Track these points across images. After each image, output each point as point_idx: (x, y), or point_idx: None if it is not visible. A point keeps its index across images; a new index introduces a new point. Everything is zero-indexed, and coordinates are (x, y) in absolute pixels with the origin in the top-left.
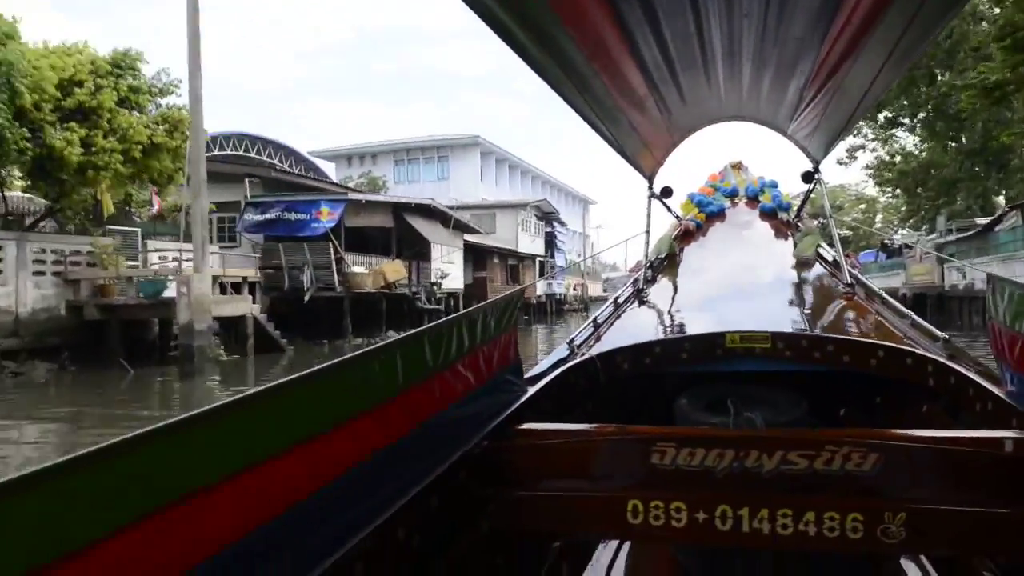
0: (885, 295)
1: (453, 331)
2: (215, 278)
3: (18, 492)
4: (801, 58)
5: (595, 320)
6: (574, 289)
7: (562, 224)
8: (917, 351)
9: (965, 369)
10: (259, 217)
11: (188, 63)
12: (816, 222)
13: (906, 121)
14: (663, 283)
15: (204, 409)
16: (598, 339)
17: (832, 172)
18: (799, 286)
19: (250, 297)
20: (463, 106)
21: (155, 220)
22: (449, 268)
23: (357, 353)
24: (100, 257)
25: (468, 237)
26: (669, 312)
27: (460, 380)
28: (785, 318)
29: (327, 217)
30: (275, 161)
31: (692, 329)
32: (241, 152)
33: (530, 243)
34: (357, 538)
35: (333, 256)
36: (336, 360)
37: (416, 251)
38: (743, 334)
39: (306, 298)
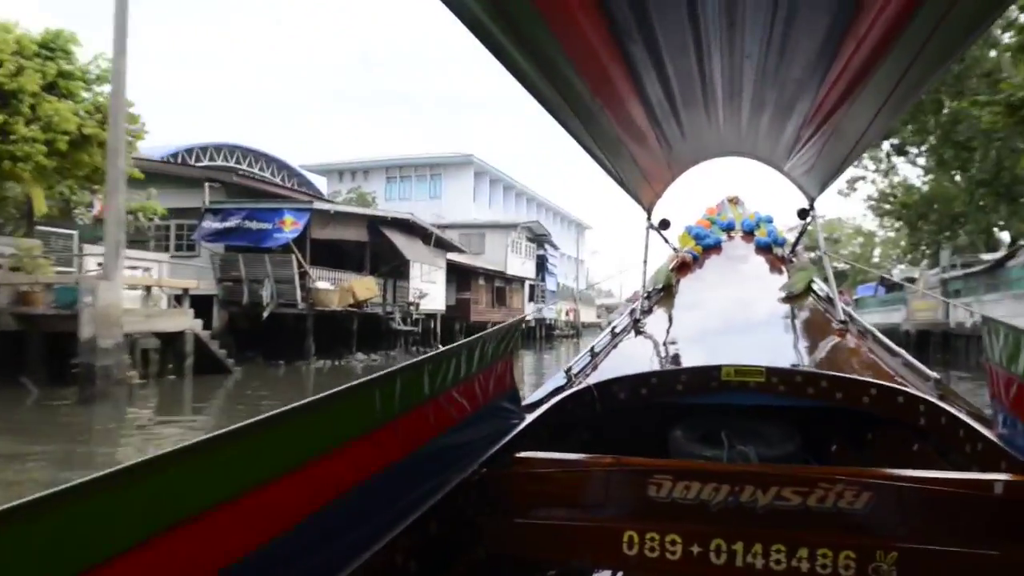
0: (878, 332)
1: (452, 359)
2: (148, 288)
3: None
4: (799, 99)
5: (592, 349)
6: (566, 314)
7: (554, 247)
8: (909, 390)
9: (956, 410)
10: (218, 225)
11: (113, 41)
12: (813, 254)
13: (913, 149)
14: (660, 314)
15: (204, 438)
16: (595, 368)
17: (831, 203)
18: (793, 321)
19: (191, 311)
20: (462, 128)
21: (99, 223)
22: (429, 288)
23: (359, 381)
24: (23, 261)
25: (452, 256)
26: (665, 343)
27: (456, 406)
28: (779, 353)
29: (291, 227)
30: (266, 174)
31: (688, 361)
32: (232, 163)
33: (520, 265)
34: (357, 563)
35: (296, 270)
36: (337, 388)
37: (393, 268)
38: (738, 368)
39: (265, 314)
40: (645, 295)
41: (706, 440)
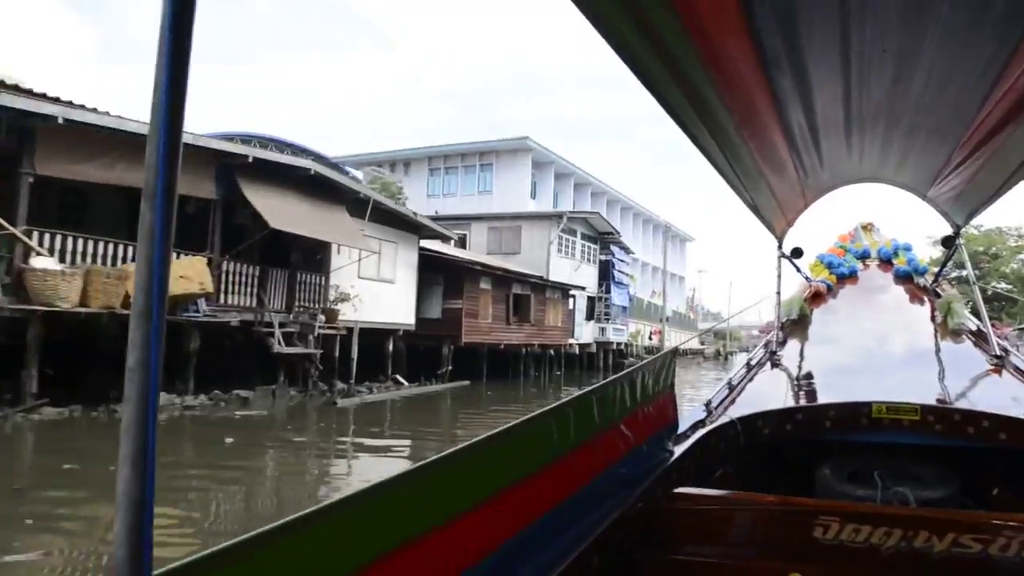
0: None
1: (617, 390)
2: None
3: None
4: (954, 123)
5: (730, 382)
6: (650, 338)
7: (626, 250)
8: None
9: None
10: None
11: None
12: (964, 273)
13: None
14: (796, 346)
15: (378, 481)
16: (733, 402)
17: (985, 213)
18: (942, 356)
19: None
20: (571, 150)
21: None
22: (380, 291)
23: (535, 413)
24: None
25: (440, 247)
26: (805, 377)
27: (623, 439)
28: (928, 389)
29: None
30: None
31: (830, 396)
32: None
33: (571, 270)
34: None
35: None
36: (513, 422)
37: (307, 254)
38: (890, 405)
39: None
40: (779, 326)
41: (856, 479)
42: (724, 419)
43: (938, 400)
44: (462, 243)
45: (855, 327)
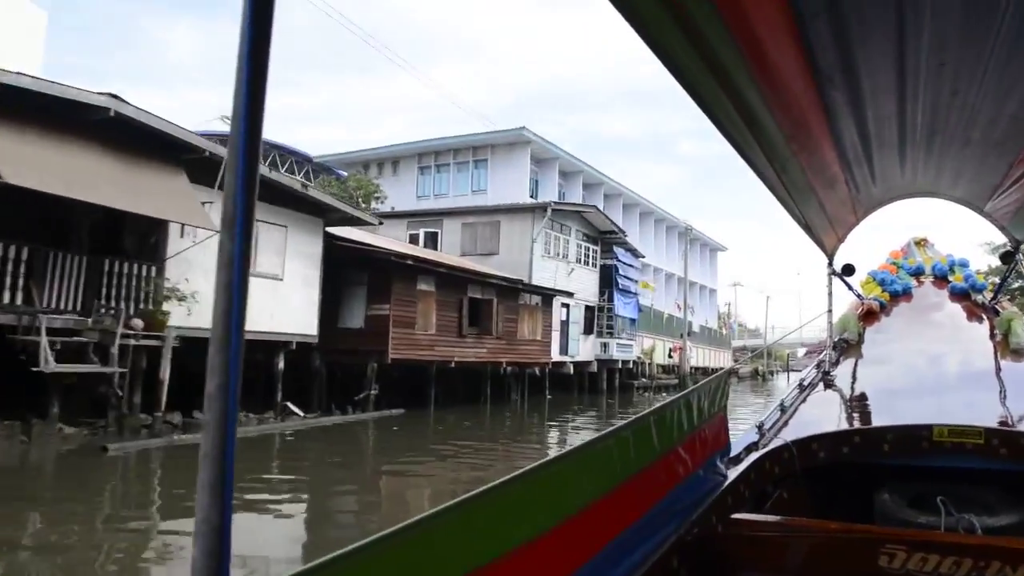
0: None
1: (674, 413)
2: None
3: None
4: (1012, 136)
5: (782, 404)
6: (670, 355)
7: (633, 252)
8: None
9: None
10: None
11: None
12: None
13: None
14: (850, 366)
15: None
16: (785, 424)
17: None
18: (1003, 376)
19: None
20: (608, 165)
21: None
22: (259, 290)
23: (593, 438)
24: None
25: (355, 233)
26: (859, 398)
27: (680, 463)
28: (989, 411)
29: None
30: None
31: (886, 419)
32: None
33: (563, 274)
34: None
35: None
36: (569, 449)
37: (140, 238)
38: (952, 428)
39: None
40: (831, 345)
41: (917, 505)
42: (777, 442)
43: (1000, 423)
44: (433, 243)
45: (910, 346)
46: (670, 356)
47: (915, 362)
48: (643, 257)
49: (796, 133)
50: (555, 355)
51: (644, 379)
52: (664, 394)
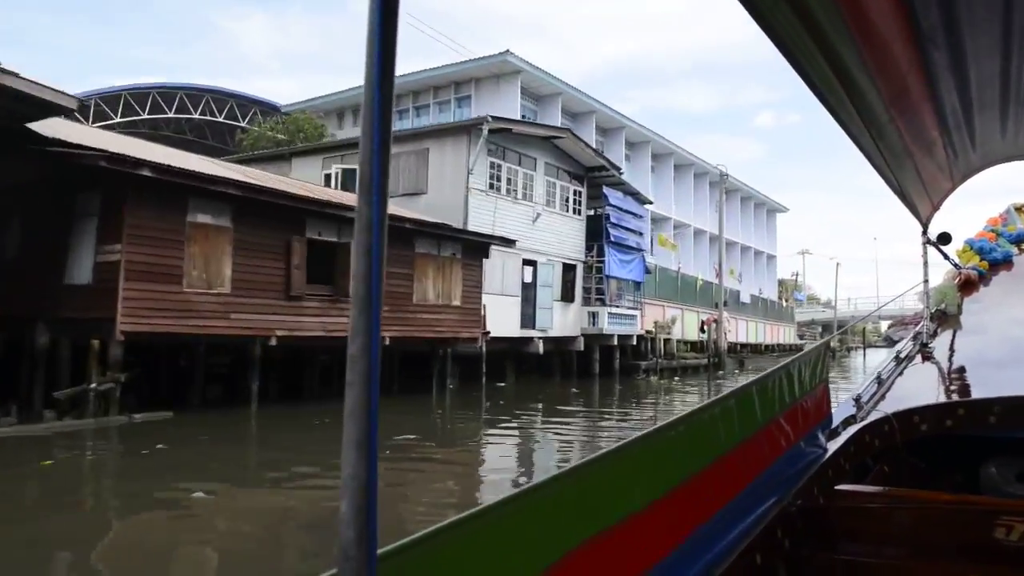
0: None
1: (776, 383)
2: None
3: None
4: None
5: (879, 376)
6: (702, 329)
7: (635, 196)
8: None
9: None
10: None
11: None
12: None
13: None
14: (947, 337)
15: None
16: (883, 397)
17: None
18: None
19: None
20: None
21: None
22: None
23: (698, 407)
24: None
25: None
26: (959, 370)
27: (782, 434)
28: None
29: None
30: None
31: (988, 390)
32: (208, 117)
33: (525, 221)
34: None
35: None
36: (675, 417)
37: None
38: None
39: None
40: (929, 316)
41: None
42: (876, 414)
43: None
44: (354, 183)
45: (1012, 316)
46: (702, 331)
47: (1018, 333)
48: (650, 203)
49: (896, 97)
50: (512, 329)
51: (660, 359)
52: (676, 379)
